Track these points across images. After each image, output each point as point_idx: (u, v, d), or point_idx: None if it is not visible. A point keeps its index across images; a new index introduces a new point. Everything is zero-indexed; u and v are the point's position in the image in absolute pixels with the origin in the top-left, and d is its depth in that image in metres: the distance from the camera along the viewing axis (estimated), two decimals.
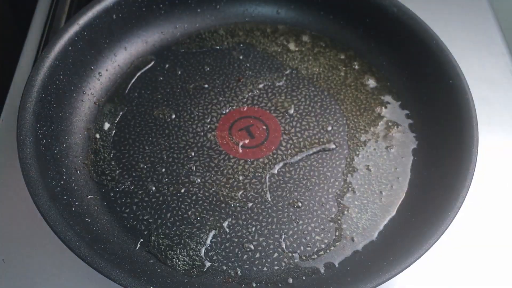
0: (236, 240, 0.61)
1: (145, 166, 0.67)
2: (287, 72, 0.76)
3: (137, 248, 0.61)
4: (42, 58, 0.65)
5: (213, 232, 0.62)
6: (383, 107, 0.73)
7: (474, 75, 0.79)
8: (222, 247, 0.61)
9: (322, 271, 0.60)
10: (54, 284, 0.61)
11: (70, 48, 0.68)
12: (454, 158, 0.61)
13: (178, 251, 0.61)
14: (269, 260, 0.60)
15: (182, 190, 0.65)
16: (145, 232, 0.62)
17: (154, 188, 0.65)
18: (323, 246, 0.62)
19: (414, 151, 0.69)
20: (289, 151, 0.69)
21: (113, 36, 0.74)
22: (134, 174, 0.66)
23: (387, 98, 0.74)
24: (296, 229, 0.63)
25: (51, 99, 0.65)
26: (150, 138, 0.69)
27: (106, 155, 0.68)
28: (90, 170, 0.66)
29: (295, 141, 0.70)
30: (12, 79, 0.79)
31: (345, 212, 0.64)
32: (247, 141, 0.70)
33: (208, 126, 0.71)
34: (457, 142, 0.63)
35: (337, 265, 0.60)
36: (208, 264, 0.59)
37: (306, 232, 0.62)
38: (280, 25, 0.80)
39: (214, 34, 0.80)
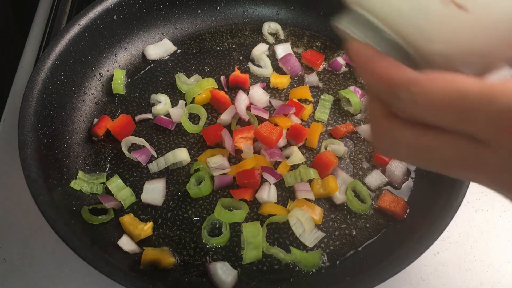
0: (236, 239, 0.62)
1: (146, 166, 0.67)
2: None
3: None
4: (43, 59, 0.66)
5: None
6: None
7: None
8: (222, 246, 0.61)
9: (323, 270, 0.60)
10: (55, 283, 0.61)
11: (71, 48, 0.68)
12: None
13: (179, 250, 0.61)
14: (269, 259, 0.60)
15: (183, 190, 0.65)
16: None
17: None
18: (322, 245, 0.62)
19: None
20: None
21: (114, 37, 0.74)
22: (135, 174, 0.67)
23: None
24: None
25: (52, 99, 0.66)
26: (151, 138, 0.70)
27: (106, 155, 0.68)
28: (91, 170, 0.67)
29: None
30: (14, 79, 0.80)
31: (345, 212, 0.64)
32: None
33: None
34: None
35: (337, 265, 0.60)
36: (208, 263, 0.59)
37: None
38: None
39: (214, 35, 0.80)
